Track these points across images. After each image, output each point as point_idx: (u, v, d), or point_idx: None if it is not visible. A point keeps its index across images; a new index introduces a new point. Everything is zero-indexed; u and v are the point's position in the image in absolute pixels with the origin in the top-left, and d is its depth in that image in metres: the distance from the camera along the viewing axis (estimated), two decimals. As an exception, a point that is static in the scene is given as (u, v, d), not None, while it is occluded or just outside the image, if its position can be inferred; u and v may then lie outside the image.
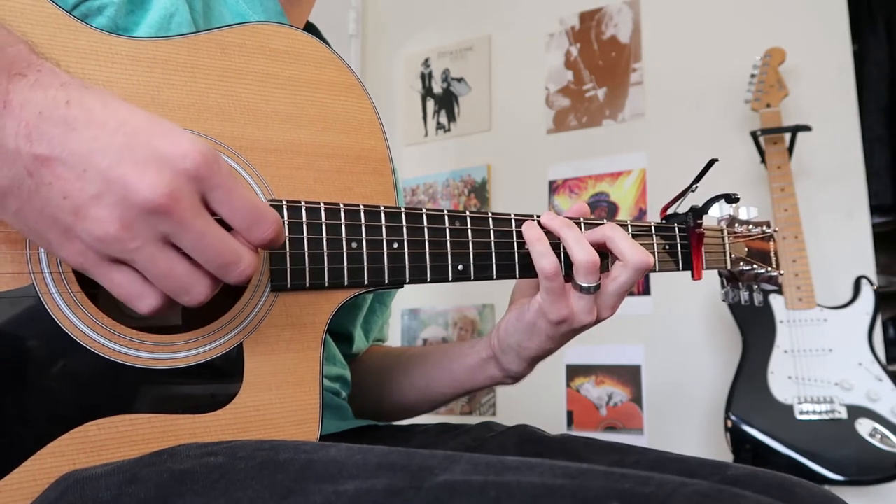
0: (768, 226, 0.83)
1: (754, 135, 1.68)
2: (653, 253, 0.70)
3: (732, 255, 0.79)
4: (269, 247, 0.46)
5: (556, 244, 0.64)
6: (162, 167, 0.40)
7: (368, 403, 0.86)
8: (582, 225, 0.66)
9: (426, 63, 2.38)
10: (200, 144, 0.41)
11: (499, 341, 0.70)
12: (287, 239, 0.53)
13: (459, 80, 2.31)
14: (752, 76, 1.71)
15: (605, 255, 0.66)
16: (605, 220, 0.67)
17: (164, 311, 0.44)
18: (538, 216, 0.65)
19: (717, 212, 0.78)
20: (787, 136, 1.66)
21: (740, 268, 0.80)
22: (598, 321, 0.65)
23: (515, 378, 0.72)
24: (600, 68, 2.08)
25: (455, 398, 0.79)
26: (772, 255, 0.82)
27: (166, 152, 0.40)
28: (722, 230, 0.79)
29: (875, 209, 1.86)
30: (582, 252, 0.61)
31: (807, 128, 1.63)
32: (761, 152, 1.70)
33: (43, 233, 0.41)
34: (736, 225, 0.81)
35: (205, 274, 0.43)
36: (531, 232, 0.63)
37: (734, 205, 0.77)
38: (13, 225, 0.42)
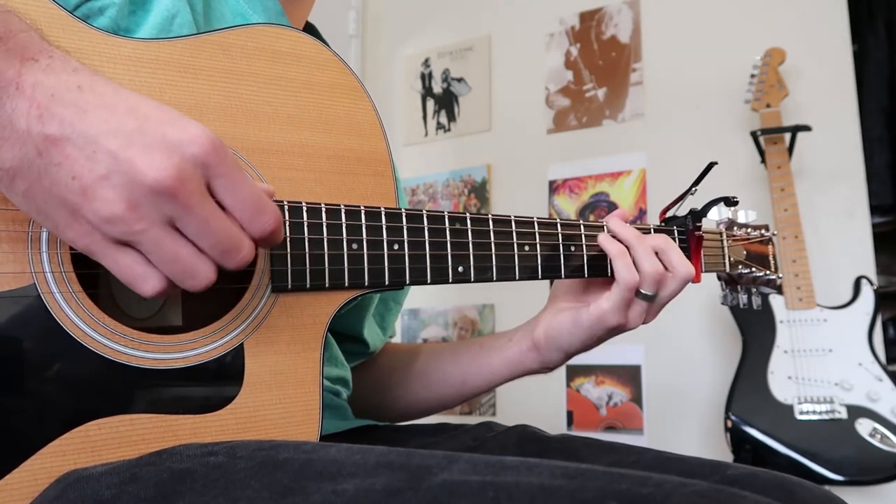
0: (767, 229, 0.83)
1: (754, 135, 1.68)
2: None
3: (731, 259, 0.79)
4: (267, 242, 0.46)
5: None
6: (171, 151, 0.40)
7: (384, 401, 0.87)
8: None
9: (426, 63, 2.38)
10: (209, 132, 0.42)
11: (546, 339, 0.73)
12: (288, 239, 0.53)
13: (459, 80, 2.31)
14: (752, 76, 1.71)
15: None
16: (651, 227, 0.72)
17: (166, 296, 0.44)
18: (606, 223, 0.69)
19: (716, 215, 0.78)
20: (787, 136, 1.66)
21: (739, 271, 0.80)
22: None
23: (552, 369, 0.76)
24: (600, 68, 2.08)
25: (487, 391, 0.83)
26: (770, 258, 0.82)
27: (175, 138, 0.41)
28: (721, 233, 0.79)
29: (875, 209, 1.86)
30: (650, 264, 0.67)
31: (807, 128, 1.64)
32: (761, 152, 1.70)
33: (50, 213, 0.41)
34: (735, 228, 0.81)
35: (208, 259, 0.43)
36: (612, 246, 0.68)
37: (733, 208, 0.78)
38: (21, 207, 0.42)
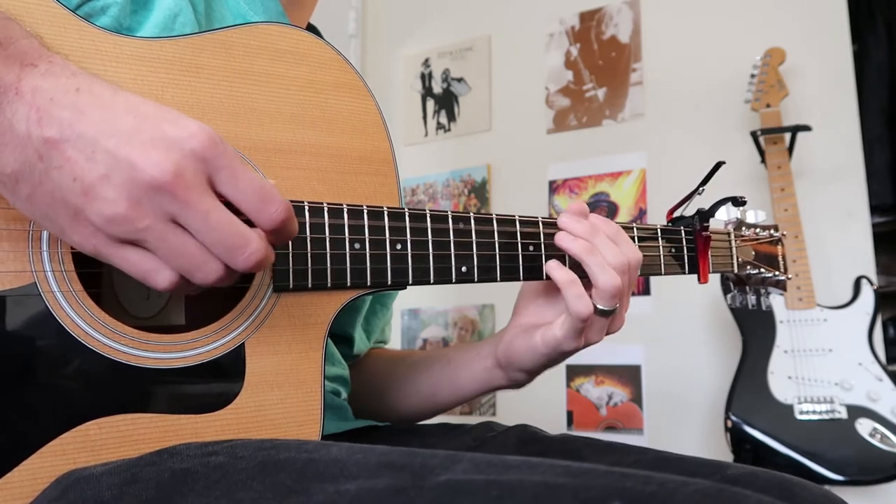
0: (776, 229, 0.82)
1: (754, 135, 1.68)
2: (657, 256, 0.71)
3: (739, 259, 0.78)
4: (280, 234, 0.45)
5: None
6: (169, 147, 0.40)
7: (369, 407, 0.86)
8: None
9: (426, 63, 2.38)
10: (207, 128, 0.42)
11: (507, 361, 0.70)
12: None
13: (459, 80, 2.31)
14: (752, 76, 1.71)
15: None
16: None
17: (179, 290, 0.44)
18: (556, 238, 0.63)
19: (724, 215, 0.77)
20: (787, 136, 1.66)
21: (747, 271, 0.79)
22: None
23: (520, 386, 0.73)
24: (600, 68, 2.08)
25: (460, 405, 0.79)
26: (779, 259, 0.81)
27: (173, 134, 0.41)
28: (729, 234, 0.78)
29: (875, 209, 1.87)
30: (606, 278, 0.61)
31: (807, 128, 1.64)
32: (761, 152, 1.70)
33: (54, 217, 0.41)
34: (743, 228, 0.80)
35: (214, 257, 0.43)
36: (560, 273, 0.62)
37: (741, 208, 0.77)
38: (25, 212, 0.42)
